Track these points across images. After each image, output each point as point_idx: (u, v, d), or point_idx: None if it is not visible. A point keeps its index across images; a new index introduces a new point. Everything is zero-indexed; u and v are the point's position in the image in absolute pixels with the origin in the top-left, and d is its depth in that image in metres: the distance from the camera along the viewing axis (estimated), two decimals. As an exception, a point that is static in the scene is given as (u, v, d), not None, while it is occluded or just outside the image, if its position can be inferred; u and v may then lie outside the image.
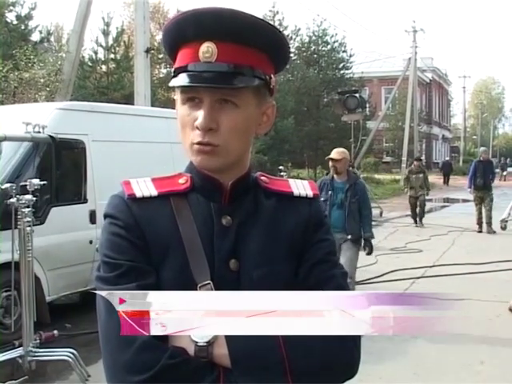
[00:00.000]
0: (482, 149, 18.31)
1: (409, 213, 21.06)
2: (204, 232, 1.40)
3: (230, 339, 1.29)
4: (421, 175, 16.67)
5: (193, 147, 1.38)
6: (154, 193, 1.43)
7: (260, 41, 1.38)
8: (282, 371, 1.28)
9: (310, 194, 1.53)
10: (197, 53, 1.35)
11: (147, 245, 1.37)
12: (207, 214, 1.43)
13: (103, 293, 1.32)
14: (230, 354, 1.28)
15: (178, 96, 1.42)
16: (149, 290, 1.31)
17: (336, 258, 1.52)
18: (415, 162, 17.50)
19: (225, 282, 1.37)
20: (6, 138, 6.00)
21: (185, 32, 1.36)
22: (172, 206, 1.42)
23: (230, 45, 1.35)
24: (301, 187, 1.54)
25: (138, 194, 1.41)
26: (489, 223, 15.33)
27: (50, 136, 6.41)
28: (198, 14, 1.35)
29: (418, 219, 16.99)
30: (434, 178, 38.36)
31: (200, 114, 1.35)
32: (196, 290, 1.33)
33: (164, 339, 1.28)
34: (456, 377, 5.50)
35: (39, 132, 6.31)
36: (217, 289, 1.34)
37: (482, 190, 15.43)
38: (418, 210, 16.94)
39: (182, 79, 1.36)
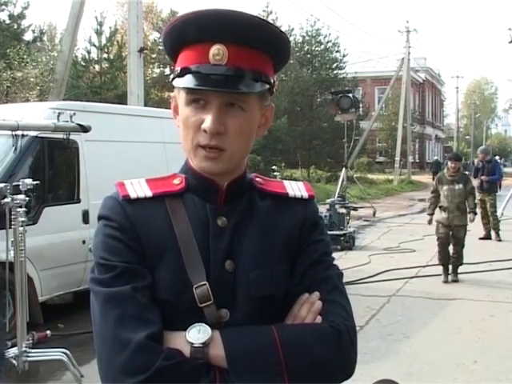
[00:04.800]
0: (480, 148, 15.77)
1: (403, 212, 20.86)
2: (199, 233, 1.39)
3: (226, 340, 1.29)
4: (459, 186, 9.32)
5: (197, 150, 1.37)
6: (149, 194, 1.42)
7: (266, 43, 1.37)
8: (278, 372, 1.28)
9: (305, 195, 1.54)
10: (206, 54, 1.33)
11: (142, 246, 1.36)
12: (203, 214, 1.42)
13: (98, 294, 1.33)
14: (227, 355, 1.28)
15: (181, 96, 1.40)
16: (144, 291, 1.32)
17: (331, 258, 1.52)
18: (451, 164, 9.52)
19: (220, 282, 1.37)
20: (18, 127, 5.82)
21: (190, 33, 1.34)
22: (167, 207, 1.41)
23: (238, 48, 1.34)
24: (296, 188, 1.54)
25: (133, 196, 1.41)
26: (495, 229, 13.90)
27: (80, 125, 6.17)
28: (207, 16, 1.33)
29: (451, 269, 9.45)
30: (428, 178, 38.44)
31: (208, 117, 1.33)
32: (192, 290, 1.33)
33: (159, 340, 1.28)
34: (449, 376, 5.51)
35: (67, 121, 6.12)
36: (212, 290, 1.34)
37: (482, 193, 13.82)
38: (452, 251, 9.43)
39: (189, 80, 1.34)
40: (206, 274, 1.36)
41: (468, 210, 9.46)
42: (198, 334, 1.29)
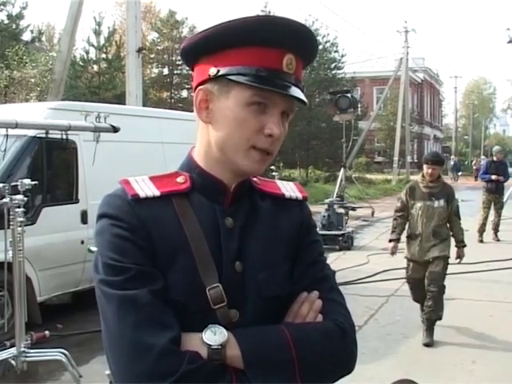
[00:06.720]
0: (497, 148, 15.01)
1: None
2: (209, 234, 1.38)
3: (240, 340, 1.30)
4: (440, 203, 6.49)
5: (251, 152, 1.37)
6: (157, 193, 1.39)
7: (312, 57, 1.46)
8: (292, 370, 1.30)
9: (300, 196, 1.57)
10: (280, 61, 1.35)
11: (154, 246, 1.33)
12: (211, 215, 1.42)
13: (111, 297, 1.29)
14: (243, 355, 1.28)
15: (237, 94, 1.35)
16: (159, 294, 1.29)
17: (325, 258, 1.56)
18: (427, 168, 6.47)
19: (231, 284, 1.37)
20: (70, 128, 6.03)
21: (266, 35, 1.33)
22: (175, 207, 1.39)
23: (299, 59, 1.39)
24: (289, 189, 1.57)
25: (142, 195, 1.38)
26: (494, 229, 13.97)
27: (112, 126, 6.30)
28: (284, 23, 1.34)
29: (424, 327, 6.47)
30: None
31: (272, 123, 1.35)
32: (204, 292, 1.33)
33: (179, 344, 1.26)
34: (448, 376, 5.52)
35: (100, 122, 6.25)
36: (225, 291, 1.34)
37: (493, 194, 13.83)
38: (427, 296, 6.51)
39: (265, 81, 1.33)
40: (218, 275, 1.35)
41: (455, 243, 6.63)
42: (214, 335, 1.29)
